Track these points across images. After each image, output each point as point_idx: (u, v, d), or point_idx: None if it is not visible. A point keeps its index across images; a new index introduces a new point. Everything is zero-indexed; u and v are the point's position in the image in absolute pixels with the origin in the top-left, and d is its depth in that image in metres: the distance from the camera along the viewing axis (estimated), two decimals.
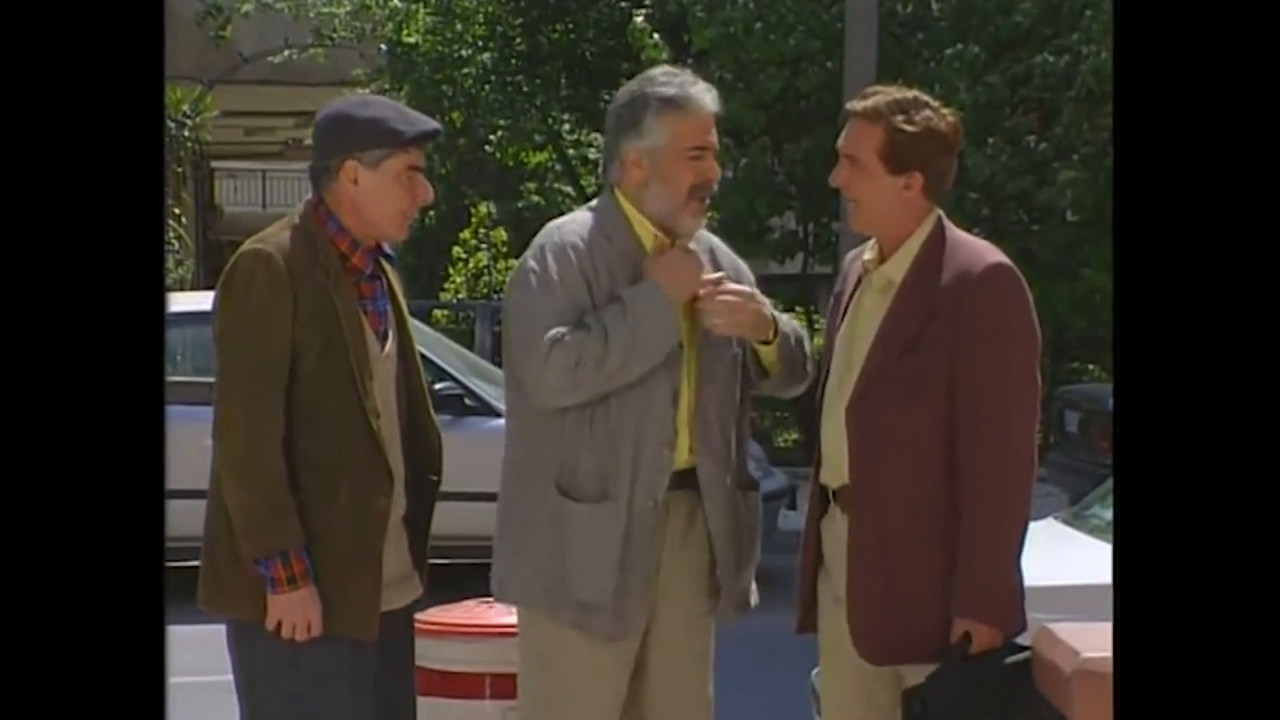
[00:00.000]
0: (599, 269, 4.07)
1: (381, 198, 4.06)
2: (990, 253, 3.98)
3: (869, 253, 4.08)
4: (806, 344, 4.32)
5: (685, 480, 4.12)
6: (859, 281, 4.10)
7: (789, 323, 4.30)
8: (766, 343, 4.17)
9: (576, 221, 4.20)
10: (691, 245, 4.21)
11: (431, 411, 4.25)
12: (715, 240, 4.37)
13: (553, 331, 3.99)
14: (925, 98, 4.04)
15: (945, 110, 4.04)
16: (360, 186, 4.05)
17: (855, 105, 4.06)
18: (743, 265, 4.36)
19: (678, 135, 4.10)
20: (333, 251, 4.05)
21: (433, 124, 4.17)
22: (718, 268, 4.24)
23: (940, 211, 4.05)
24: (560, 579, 4.06)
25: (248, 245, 4.08)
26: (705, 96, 4.15)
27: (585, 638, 4.06)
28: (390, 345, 4.14)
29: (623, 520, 4.03)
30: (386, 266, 4.21)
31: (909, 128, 3.94)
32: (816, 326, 17.44)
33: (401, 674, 4.23)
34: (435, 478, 4.25)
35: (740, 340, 4.19)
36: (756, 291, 4.18)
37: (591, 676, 4.10)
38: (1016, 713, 3.80)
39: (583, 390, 4.00)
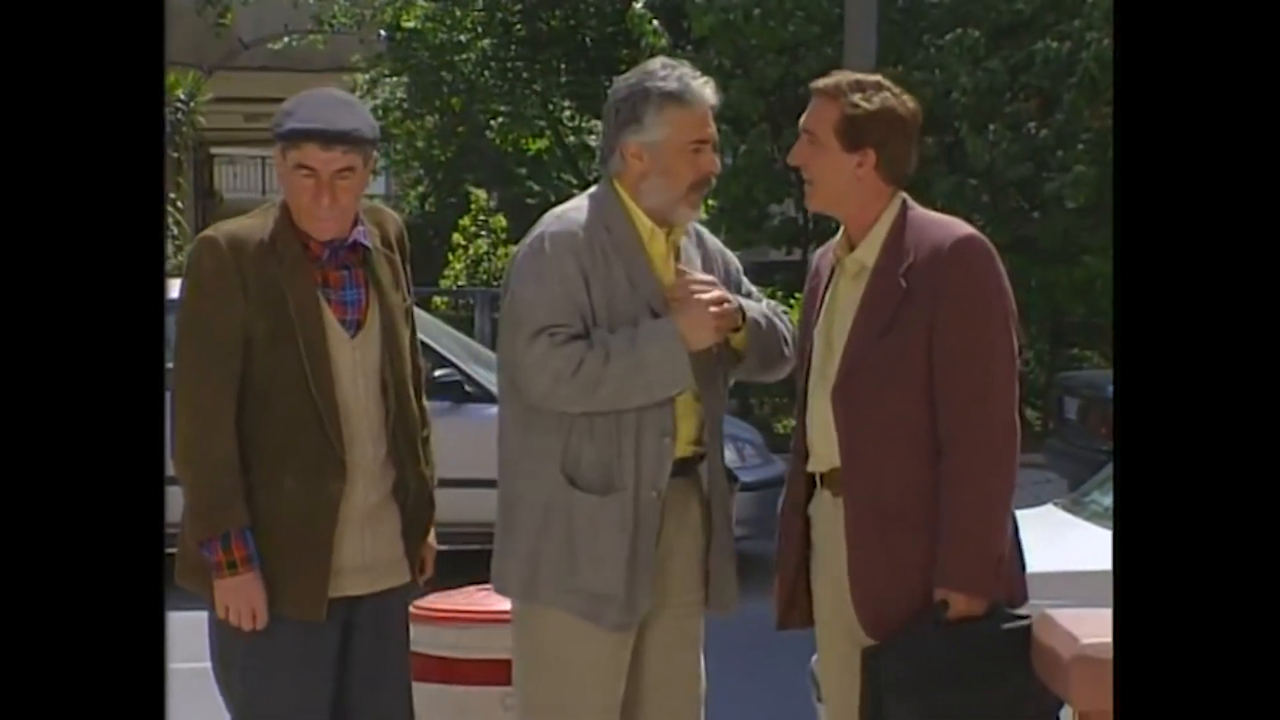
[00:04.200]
0: (597, 259, 4.06)
1: (286, 187, 4.09)
2: (959, 226, 4.03)
3: (838, 241, 4.12)
4: (784, 324, 4.30)
5: (682, 469, 4.13)
6: (832, 272, 4.12)
7: (760, 307, 4.28)
8: (735, 329, 4.18)
9: (576, 210, 4.19)
10: (684, 238, 4.22)
11: (413, 400, 4.24)
12: (701, 228, 4.37)
13: (548, 329, 4.00)
14: (888, 82, 4.10)
15: (906, 96, 4.09)
16: (279, 174, 4.12)
17: (818, 83, 4.11)
18: (729, 254, 4.38)
19: (678, 130, 4.09)
20: (291, 237, 4.08)
21: (306, 125, 4.05)
22: (707, 257, 4.26)
23: (904, 195, 4.09)
24: (570, 570, 4.05)
25: (201, 233, 4.15)
26: (705, 90, 4.14)
27: (591, 629, 4.05)
28: (366, 335, 4.14)
29: (630, 512, 4.03)
30: (375, 258, 4.19)
31: (865, 105, 3.99)
32: None
33: (390, 658, 4.24)
34: (425, 467, 4.26)
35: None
36: (716, 284, 4.15)
37: (596, 668, 4.09)
38: (993, 682, 3.80)
39: (570, 403, 4.02)
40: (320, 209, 4.04)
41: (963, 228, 4.02)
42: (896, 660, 3.84)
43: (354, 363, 4.10)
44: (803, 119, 4.08)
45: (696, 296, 4.05)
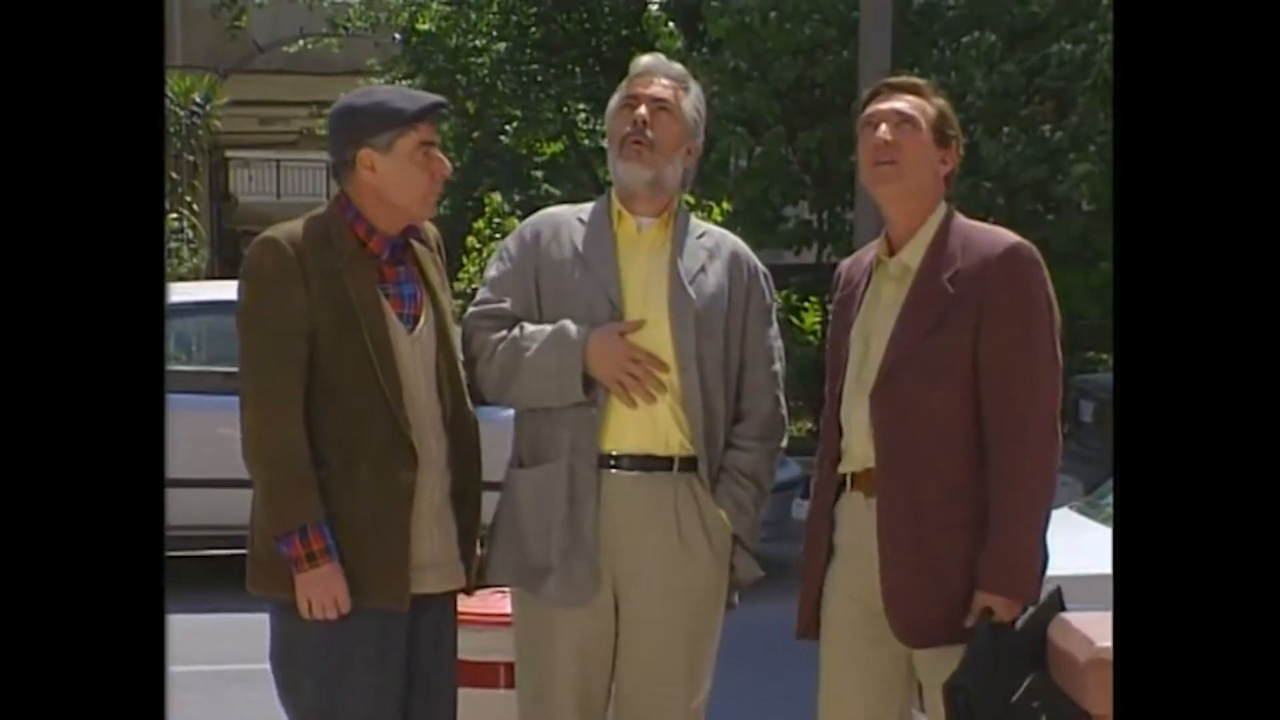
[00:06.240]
0: (564, 244, 4.23)
1: (400, 179, 4.12)
2: (1007, 235, 4.05)
3: (877, 246, 4.11)
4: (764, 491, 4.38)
5: (660, 464, 4.18)
6: (868, 279, 4.10)
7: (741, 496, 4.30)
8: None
9: (565, 206, 4.41)
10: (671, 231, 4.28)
11: (467, 399, 4.29)
12: (725, 243, 4.38)
13: (482, 307, 4.26)
14: None
15: None
16: (379, 172, 4.12)
17: (898, 80, 4.19)
18: (759, 281, 4.37)
19: (620, 95, 4.31)
20: (348, 236, 4.11)
21: (434, 98, 4.26)
22: (723, 268, 4.28)
23: (946, 203, 4.11)
24: (519, 545, 4.19)
25: (260, 235, 4.16)
26: (643, 59, 4.37)
27: (546, 606, 4.15)
28: (422, 329, 4.17)
29: (564, 485, 4.14)
30: (421, 252, 4.25)
31: (947, 110, 4.12)
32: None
33: (445, 663, 4.24)
34: (476, 465, 4.28)
35: (716, 334, 4.25)
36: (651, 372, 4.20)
37: (552, 644, 4.18)
38: (1026, 679, 3.79)
39: (487, 386, 4.26)
40: (438, 184, 4.17)
41: (1011, 236, 4.04)
42: (974, 684, 3.79)
43: (413, 357, 4.13)
44: (888, 106, 4.07)
45: (619, 335, 4.15)
